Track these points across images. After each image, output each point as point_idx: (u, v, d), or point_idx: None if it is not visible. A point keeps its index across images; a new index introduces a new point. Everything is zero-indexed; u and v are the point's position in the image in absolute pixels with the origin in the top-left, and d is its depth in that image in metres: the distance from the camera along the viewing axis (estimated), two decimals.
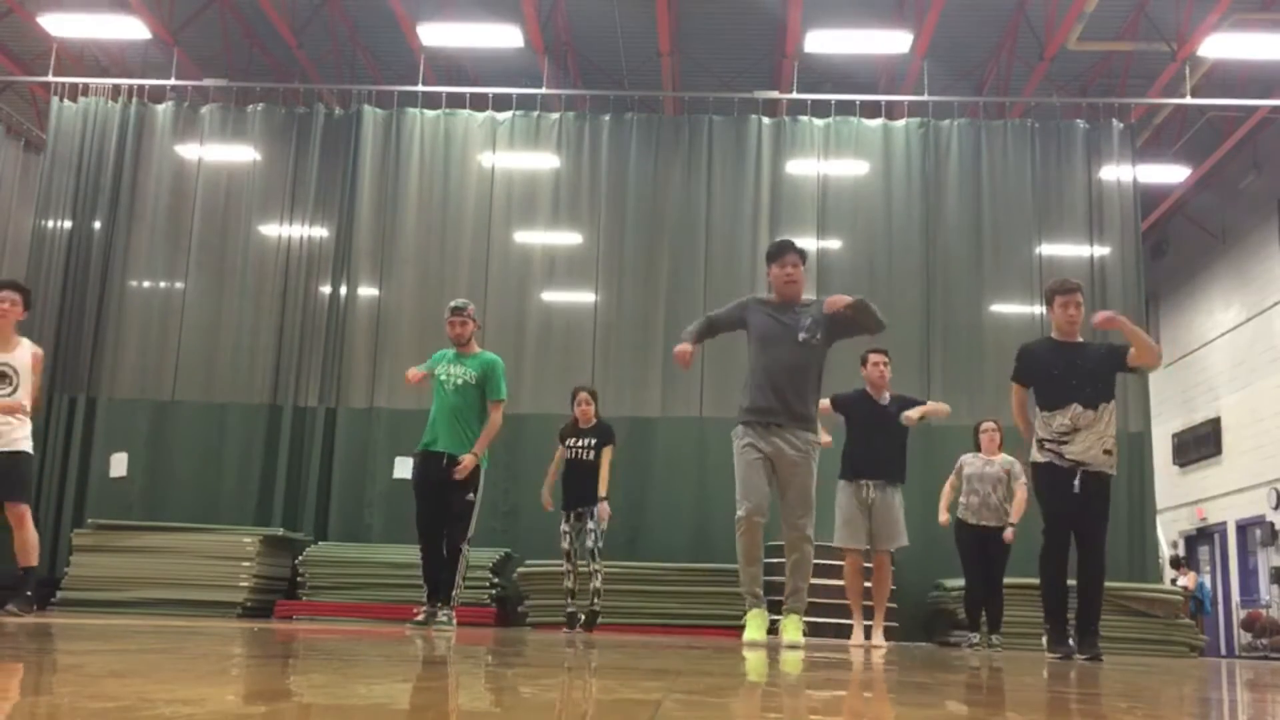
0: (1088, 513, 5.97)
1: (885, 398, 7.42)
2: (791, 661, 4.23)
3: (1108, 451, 5.98)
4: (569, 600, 8.24)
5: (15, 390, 6.80)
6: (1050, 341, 6.26)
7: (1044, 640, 6.22)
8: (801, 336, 5.84)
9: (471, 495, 7.10)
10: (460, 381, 7.23)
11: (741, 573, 5.93)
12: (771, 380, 5.84)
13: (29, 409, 6.94)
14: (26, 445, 6.87)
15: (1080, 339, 6.23)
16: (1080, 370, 6.02)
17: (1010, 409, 6.40)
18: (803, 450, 5.84)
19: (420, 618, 7.08)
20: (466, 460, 7.00)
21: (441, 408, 7.22)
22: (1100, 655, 5.90)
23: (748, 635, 5.88)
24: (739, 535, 5.85)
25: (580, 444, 8.24)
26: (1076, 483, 5.90)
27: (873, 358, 7.47)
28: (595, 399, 8.44)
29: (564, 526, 8.22)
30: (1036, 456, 6.09)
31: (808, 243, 11.24)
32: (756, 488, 5.80)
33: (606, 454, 8.17)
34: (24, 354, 6.90)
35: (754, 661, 4.13)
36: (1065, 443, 5.95)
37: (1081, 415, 5.94)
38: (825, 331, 5.91)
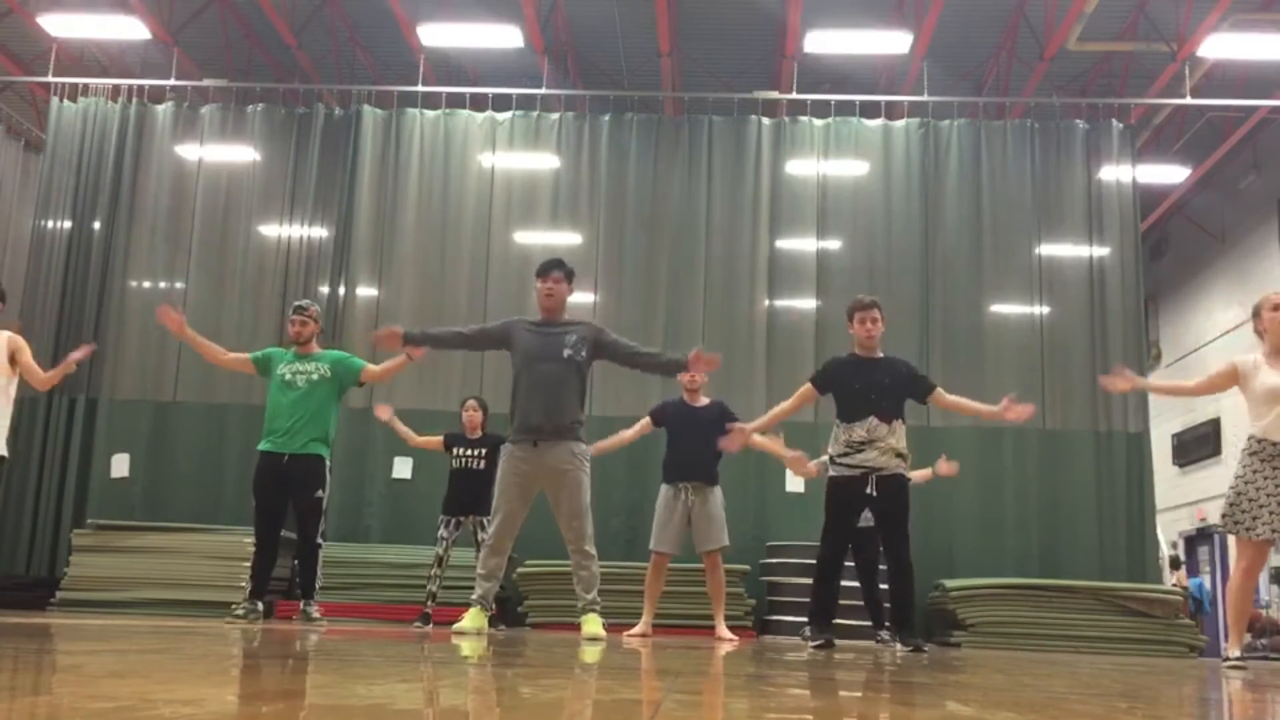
0: (886, 512, 6.39)
1: (701, 402, 7.68)
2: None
3: (901, 455, 6.41)
4: (430, 602, 8.28)
5: None
6: (852, 357, 6.62)
7: (806, 631, 6.48)
8: (566, 353, 6.20)
9: (321, 493, 7.20)
10: (316, 377, 7.25)
11: (489, 580, 6.29)
12: (537, 396, 6.17)
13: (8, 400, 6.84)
14: (2, 449, 6.78)
15: (880, 354, 6.62)
16: (879, 386, 6.43)
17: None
18: (571, 462, 6.15)
19: (240, 612, 7.16)
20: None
21: (279, 407, 7.19)
22: (923, 646, 6.43)
23: (469, 625, 6.16)
24: (498, 543, 6.24)
25: (470, 453, 8.42)
26: (871, 489, 6.30)
27: (688, 380, 7.63)
28: (485, 409, 8.58)
29: (443, 532, 8.36)
30: (827, 471, 6.54)
31: (807, 243, 11.26)
32: (513, 509, 6.23)
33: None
34: None
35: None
36: (860, 452, 6.34)
37: (876, 428, 6.34)
38: (590, 352, 6.30)
